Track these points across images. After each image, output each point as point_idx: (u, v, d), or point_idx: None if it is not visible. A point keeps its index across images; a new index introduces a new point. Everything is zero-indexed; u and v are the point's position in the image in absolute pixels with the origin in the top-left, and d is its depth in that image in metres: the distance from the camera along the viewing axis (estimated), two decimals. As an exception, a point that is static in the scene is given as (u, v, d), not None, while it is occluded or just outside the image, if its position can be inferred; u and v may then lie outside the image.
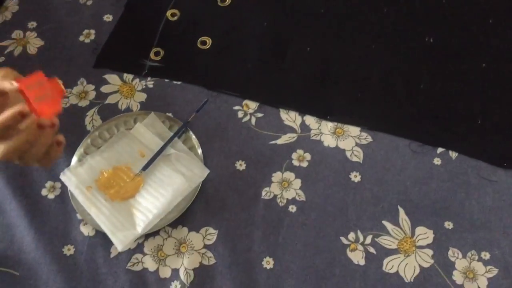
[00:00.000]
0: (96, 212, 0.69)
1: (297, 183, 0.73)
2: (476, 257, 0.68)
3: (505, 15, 0.85)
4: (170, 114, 0.78)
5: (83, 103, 0.80)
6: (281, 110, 0.79)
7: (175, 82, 0.82)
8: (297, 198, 0.72)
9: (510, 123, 0.77)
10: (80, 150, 0.75)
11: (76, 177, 0.71)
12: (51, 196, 0.73)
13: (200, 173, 0.72)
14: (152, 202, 0.70)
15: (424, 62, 0.82)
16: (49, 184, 0.74)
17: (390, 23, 0.86)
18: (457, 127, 0.77)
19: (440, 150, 0.75)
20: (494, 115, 0.77)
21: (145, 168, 0.72)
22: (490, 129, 0.77)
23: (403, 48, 0.84)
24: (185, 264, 0.68)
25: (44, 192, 0.73)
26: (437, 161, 0.74)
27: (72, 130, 0.77)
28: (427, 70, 0.82)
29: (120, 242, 0.67)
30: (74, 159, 0.74)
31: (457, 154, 0.75)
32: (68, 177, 0.72)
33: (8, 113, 0.53)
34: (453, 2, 0.87)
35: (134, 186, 0.71)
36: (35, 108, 0.54)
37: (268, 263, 0.68)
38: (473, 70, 0.81)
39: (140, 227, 0.68)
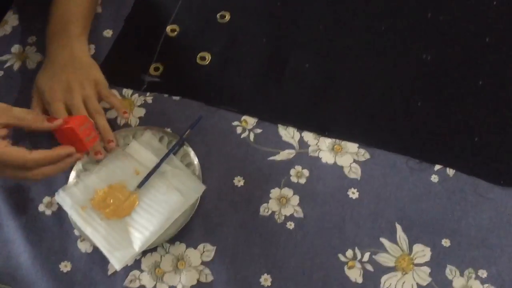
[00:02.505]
0: (92, 231, 0.69)
1: (295, 199, 0.73)
2: (474, 275, 0.68)
3: (502, 34, 0.86)
4: (169, 130, 0.78)
5: (82, 118, 0.80)
6: (279, 126, 0.79)
7: (174, 98, 0.82)
8: (295, 214, 0.72)
9: (507, 140, 0.77)
10: (78, 165, 0.75)
11: (71, 197, 0.71)
12: (48, 212, 0.73)
13: (196, 189, 0.72)
14: (149, 220, 0.70)
15: (422, 79, 0.83)
16: (46, 199, 0.74)
17: (388, 40, 0.87)
18: (455, 145, 0.77)
19: (437, 167, 0.75)
20: (491, 132, 0.78)
21: (140, 185, 0.72)
22: (487, 146, 0.77)
23: (400, 65, 0.84)
24: (183, 281, 0.68)
25: (41, 207, 0.73)
26: (434, 178, 0.75)
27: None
28: (424, 87, 0.82)
29: (117, 261, 0.67)
30: (73, 174, 0.74)
31: (454, 171, 0.75)
32: (62, 198, 0.71)
33: (58, 152, 0.65)
34: (451, 19, 0.88)
35: (129, 204, 0.71)
36: (86, 146, 0.67)
37: (266, 280, 0.68)
38: (470, 88, 0.82)
39: (137, 245, 0.68)
